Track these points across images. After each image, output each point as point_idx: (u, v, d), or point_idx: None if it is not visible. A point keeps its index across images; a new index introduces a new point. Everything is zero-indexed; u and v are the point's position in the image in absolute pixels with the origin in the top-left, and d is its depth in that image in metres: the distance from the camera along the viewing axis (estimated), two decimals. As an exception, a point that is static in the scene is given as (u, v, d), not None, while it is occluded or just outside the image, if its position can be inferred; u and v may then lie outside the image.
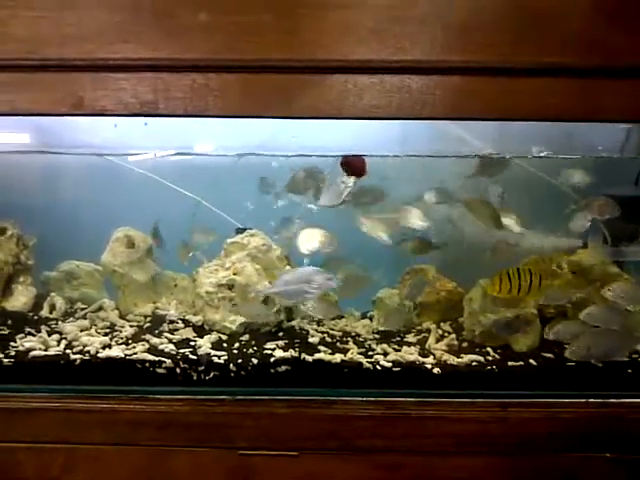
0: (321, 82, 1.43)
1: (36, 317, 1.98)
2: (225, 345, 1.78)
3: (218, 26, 1.41)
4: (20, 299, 2.01)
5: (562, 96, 1.45)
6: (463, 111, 1.46)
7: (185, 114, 1.44)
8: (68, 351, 1.72)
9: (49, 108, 1.43)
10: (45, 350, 1.72)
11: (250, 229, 2.03)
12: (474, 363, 1.72)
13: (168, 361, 1.67)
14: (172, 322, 1.93)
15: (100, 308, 2.02)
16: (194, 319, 1.95)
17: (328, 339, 1.86)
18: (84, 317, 1.96)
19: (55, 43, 1.40)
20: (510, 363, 1.72)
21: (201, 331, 1.87)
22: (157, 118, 1.48)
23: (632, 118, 1.59)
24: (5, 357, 1.68)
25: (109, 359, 1.68)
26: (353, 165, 1.88)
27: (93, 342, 1.74)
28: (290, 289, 1.67)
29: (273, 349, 1.74)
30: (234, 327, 1.86)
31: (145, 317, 1.99)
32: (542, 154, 2.01)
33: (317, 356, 1.71)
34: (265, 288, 1.86)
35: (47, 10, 1.39)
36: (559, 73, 1.44)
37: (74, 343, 1.76)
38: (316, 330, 1.92)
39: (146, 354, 1.69)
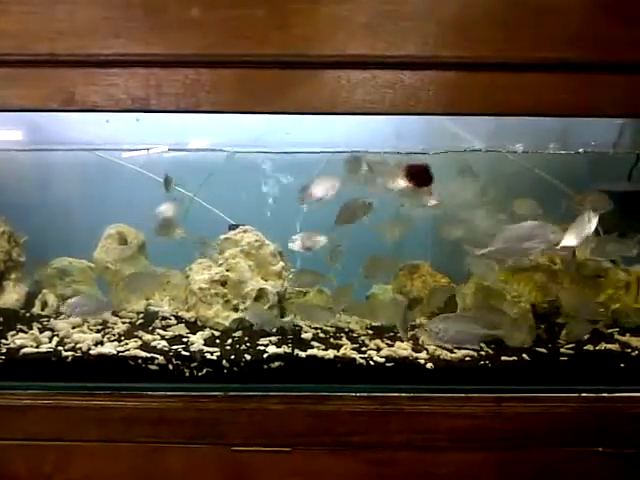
0: (314, 77, 1.43)
1: (28, 314, 1.97)
2: (218, 341, 1.78)
3: (210, 22, 1.40)
4: (12, 296, 1.99)
5: (557, 91, 1.45)
6: (457, 107, 1.47)
7: (177, 110, 1.44)
8: (60, 348, 1.71)
9: (40, 104, 1.42)
10: (37, 347, 1.71)
11: (243, 225, 2.02)
12: (467, 358, 1.72)
13: (160, 358, 1.66)
14: (165, 318, 1.93)
15: (92, 305, 2.01)
16: (187, 315, 1.94)
17: (321, 335, 1.85)
18: (76, 314, 1.95)
19: (46, 38, 1.39)
20: (504, 358, 1.72)
21: (194, 327, 1.87)
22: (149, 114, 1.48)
23: (627, 113, 1.59)
24: (-3, 354, 1.68)
25: (101, 356, 1.68)
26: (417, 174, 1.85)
27: (85, 339, 1.73)
28: (510, 247, 1.54)
29: (266, 345, 1.74)
30: (227, 323, 1.85)
31: (138, 314, 1.98)
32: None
33: (310, 352, 1.71)
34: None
35: (38, 5, 1.39)
36: (553, 68, 1.44)
37: (66, 340, 1.75)
38: (309, 326, 1.91)
39: (138, 351, 1.68)
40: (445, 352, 1.73)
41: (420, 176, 1.78)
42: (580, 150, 2.00)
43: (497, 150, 1.98)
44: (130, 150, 2.15)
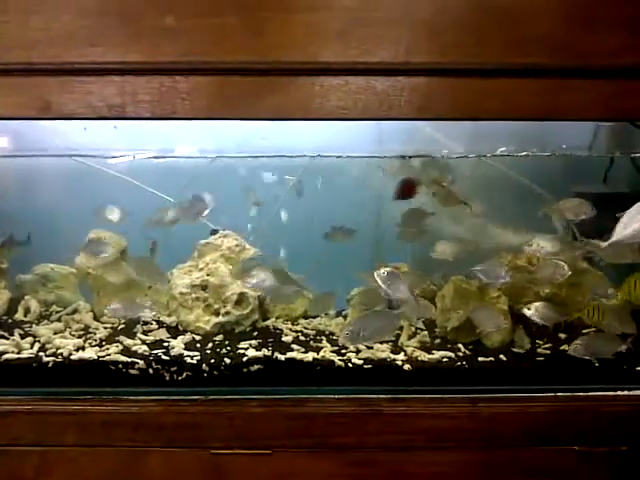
0: (288, 84, 1.45)
1: (10, 320, 1.98)
2: (199, 345, 1.79)
3: (185, 29, 1.42)
4: (-6, 303, 2.00)
5: (528, 96, 1.47)
6: (429, 111, 1.48)
7: (153, 117, 1.45)
8: (41, 354, 1.72)
9: (16, 112, 1.43)
10: (18, 353, 1.72)
11: (223, 230, 2.04)
12: (445, 359, 1.74)
13: (141, 362, 1.67)
14: (146, 323, 1.94)
15: (75, 311, 2.02)
16: (168, 320, 1.96)
17: (302, 338, 1.87)
18: (58, 320, 1.96)
19: (22, 47, 1.40)
20: (480, 359, 1.74)
21: (175, 332, 1.88)
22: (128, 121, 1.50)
23: (597, 117, 1.62)
24: (-23, 361, 1.68)
25: (82, 361, 1.69)
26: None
27: (66, 344, 1.75)
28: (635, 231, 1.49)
29: (246, 349, 1.75)
30: (208, 327, 1.87)
31: (119, 319, 1.99)
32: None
33: (290, 355, 1.73)
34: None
35: (13, 14, 1.40)
36: (524, 73, 1.46)
37: (47, 346, 1.76)
38: (290, 329, 1.93)
39: (119, 355, 1.70)
40: (423, 354, 1.75)
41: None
42: (556, 153, 2.03)
43: (463, 155, 2.00)
44: (115, 157, 2.16)
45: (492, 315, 1.79)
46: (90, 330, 1.90)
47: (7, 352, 1.71)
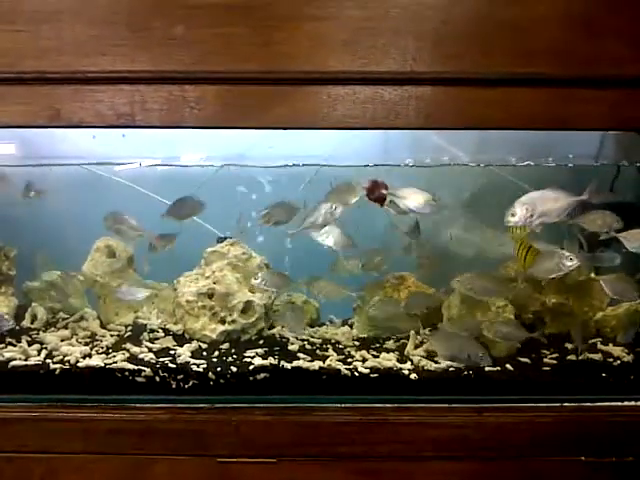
0: (295, 93, 1.46)
1: (17, 327, 1.98)
2: (205, 354, 1.80)
3: (194, 39, 1.44)
4: (2, 309, 2.00)
5: (534, 105, 1.48)
6: (436, 121, 1.49)
7: (162, 125, 1.46)
8: (48, 361, 1.72)
9: (27, 120, 1.45)
10: (25, 360, 1.72)
11: (230, 238, 2.05)
12: (451, 369, 1.74)
13: (147, 370, 1.68)
14: (153, 331, 1.94)
15: (82, 318, 2.03)
16: (174, 328, 1.96)
17: (308, 347, 1.87)
18: (65, 327, 1.97)
19: (33, 56, 1.42)
20: (487, 368, 1.74)
21: (181, 340, 1.89)
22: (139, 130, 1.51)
23: (602, 126, 1.63)
24: (-15, 367, 1.69)
25: (89, 368, 1.69)
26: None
27: (73, 352, 1.75)
28: None
29: (252, 357, 1.76)
30: (214, 336, 1.87)
31: (126, 326, 2.00)
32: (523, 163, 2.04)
33: (296, 363, 1.73)
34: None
35: (25, 24, 1.42)
36: (530, 83, 1.47)
37: (54, 353, 1.76)
38: (296, 338, 1.93)
39: (126, 363, 1.70)
40: (429, 363, 1.75)
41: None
42: (563, 163, 2.03)
43: (464, 164, 2.01)
44: (123, 164, 2.18)
45: (627, 287, 1.74)
46: (97, 337, 1.91)
47: (14, 359, 1.72)
